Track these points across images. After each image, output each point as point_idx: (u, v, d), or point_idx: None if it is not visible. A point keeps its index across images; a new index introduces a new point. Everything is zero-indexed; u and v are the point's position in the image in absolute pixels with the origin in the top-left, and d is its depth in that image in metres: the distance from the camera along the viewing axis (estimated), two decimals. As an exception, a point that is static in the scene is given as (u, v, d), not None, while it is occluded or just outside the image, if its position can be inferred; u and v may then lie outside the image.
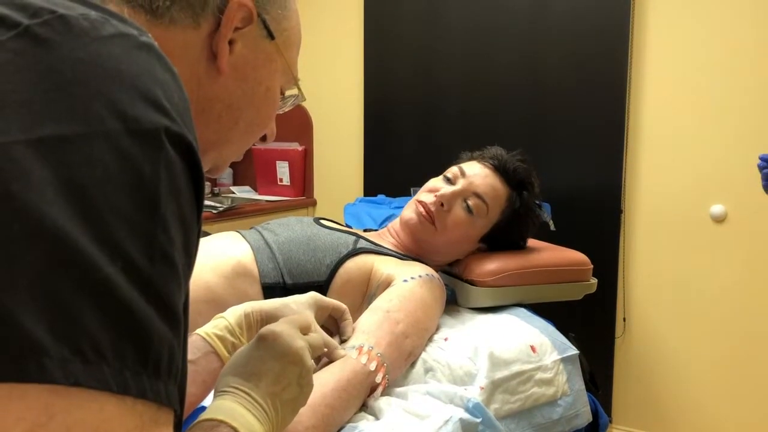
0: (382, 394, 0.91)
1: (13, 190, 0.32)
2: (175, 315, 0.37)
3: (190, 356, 0.74)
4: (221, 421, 0.56)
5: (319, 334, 0.77)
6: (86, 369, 0.32)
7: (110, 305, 0.33)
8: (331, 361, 0.87)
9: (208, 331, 0.77)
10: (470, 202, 1.29)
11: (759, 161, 1.39)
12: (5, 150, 0.33)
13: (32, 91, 0.35)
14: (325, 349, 0.81)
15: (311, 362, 0.68)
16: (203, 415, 0.57)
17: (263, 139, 0.68)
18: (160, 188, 0.37)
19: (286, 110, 0.71)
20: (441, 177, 1.36)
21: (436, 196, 1.28)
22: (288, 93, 0.68)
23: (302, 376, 0.66)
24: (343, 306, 0.93)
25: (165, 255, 0.37)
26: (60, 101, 0.35)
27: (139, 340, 0.34)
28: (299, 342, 0.67)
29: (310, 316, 0.80)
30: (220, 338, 0.77)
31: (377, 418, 0.86)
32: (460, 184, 1.30)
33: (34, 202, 0.32)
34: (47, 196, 0.33)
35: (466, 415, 0.87)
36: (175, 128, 0.39)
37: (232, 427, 0.55)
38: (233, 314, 0.79)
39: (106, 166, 0.35)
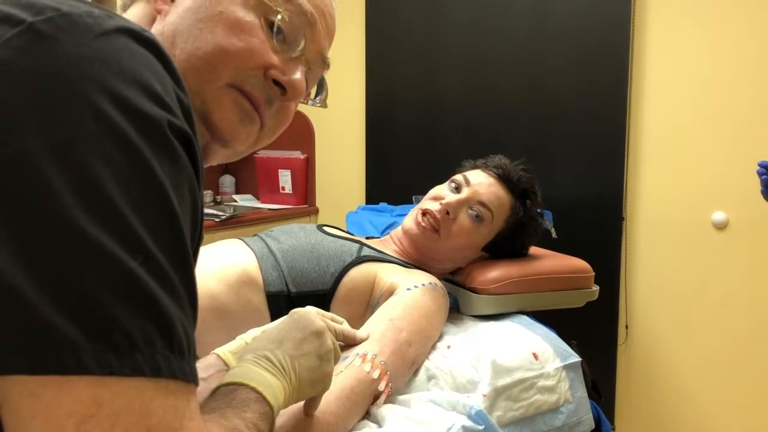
0: (385, 402, 0.91)
1: (35, 198, 0.34)
2: (189, 299, 0.41)
3: (203, 374, 0.75)
4: (239, 384, 0.56)
5: (339, 325, 0.87)
6: (121, 359, 0.35)
7: (136, 298, 0.36)
8: (352, 346, 0.92)
9: (224, 350, 0.78)
10: (475, 211, 1.29)
11: (758, 168, 1.40)
12: (22, 158, 0.35)
13: (40, 92, 0.36)
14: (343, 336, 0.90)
15: (332, 343, 0.72)
16: (219, 383, 0.58)
17: (284, 91, 0.61)
18: (168, 182, 0.39)
19: (316, 79, 0.70)
20: (445, 185, 1.36)
21: (441, 204, 1.29)
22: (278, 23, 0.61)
23: (323, 350, 0.69)
24: (341, 318, 0.94)
25: (177, 244, 0.39)
26: (68, 101, 0.37)
27: (164, 326, 0.37)
28: (321, 322, 0.72)
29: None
30: (235, 355, 0.77)
31: (380, 426, 0.86)
32: (465, 193, 1.31)
33: (55, 209, 0.34)
34: (67, 201, 0.35)
35: (469, 423, 0.87)
36: (176, 122, 0.41)
37: (250, 387, 0.56)
38: (251, 333, 0.81)
39: (118, 165, 0.37)
